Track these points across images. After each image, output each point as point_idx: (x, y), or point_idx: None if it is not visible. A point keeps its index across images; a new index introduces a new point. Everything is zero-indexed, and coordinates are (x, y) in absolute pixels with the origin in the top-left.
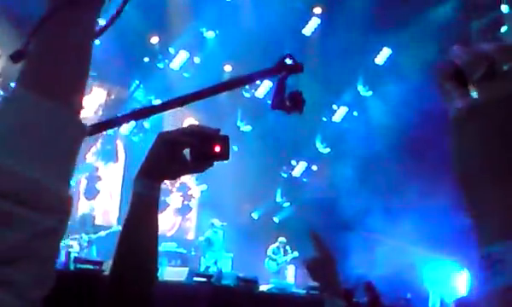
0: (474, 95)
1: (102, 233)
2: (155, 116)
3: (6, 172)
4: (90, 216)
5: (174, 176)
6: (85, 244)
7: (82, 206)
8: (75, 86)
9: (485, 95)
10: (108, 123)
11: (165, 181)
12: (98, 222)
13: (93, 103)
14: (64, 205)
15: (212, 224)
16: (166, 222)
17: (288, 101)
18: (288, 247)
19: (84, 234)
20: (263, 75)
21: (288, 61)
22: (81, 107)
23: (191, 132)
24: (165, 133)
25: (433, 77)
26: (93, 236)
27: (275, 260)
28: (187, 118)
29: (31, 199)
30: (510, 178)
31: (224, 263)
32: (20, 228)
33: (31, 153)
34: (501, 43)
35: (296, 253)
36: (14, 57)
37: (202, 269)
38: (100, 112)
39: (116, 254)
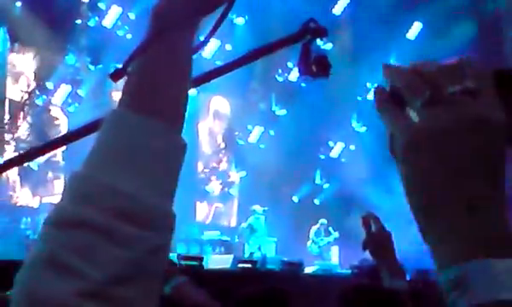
0: (417, 120)
1: None
2: (191, 105)
3: (116, 192)
4: None
5: None
6: None
7: None
8: (179, 106)
9: (431, 123)
10: None
11: (205, 169)
12: None
13: None
14: (170, 223)
15: (254, 211)
16: (208, 210)
17: (313, 66)
18: (330, 228)
19: None
20: (286, 42)
21: (312, 25)
22: (183, 126)
23: None
24: None
25: (373, 101)
26: None
27: (317, 242)
28: (216, 107)
29: (140, 217)
30: (459, 207)
31: (267, 248)
32: (130, 247)
33: (138, 173)
34: (443, 64)
35: (337, 234)
36: (114, 76)
37: (246, 255)
38: None
39: None
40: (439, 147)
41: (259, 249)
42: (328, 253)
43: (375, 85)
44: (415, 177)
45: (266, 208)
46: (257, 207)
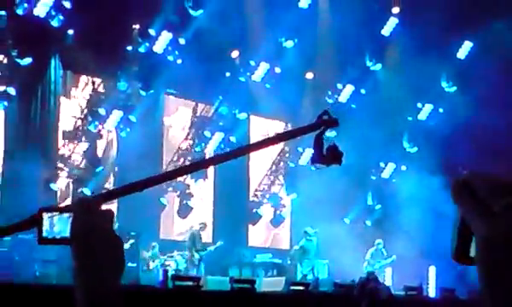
0: (500, 221)
1: (212, 247)
2: (241, 129)
3: None
4: (198, 233)
5: None
6: (197, 262)
7: (177, 225)
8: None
9: None
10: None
11: (256, 192)
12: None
13: (180, 121)
14: None
15: (306, 232)
16: (260, 233)
17: (326, 155)
18: (383, 249)
19: (195, 253)
20: (304, 131)
21: (325, 117)
22: None
23: None
24: None
25: (451, 190)
26: (203, 253)
27: (373, 264)
28: (269, 131)
29: None
30: None
31: (320, 270)
32: None
33: None
34: None
35: (394, 257)
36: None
37: (299, 277)
38: (187, 130)
39: None
40: None
41: (312, 271)
42: (382, 275)
43: (455, 179)
44: (503, 271)
45: (317, 230)
46: (308, 229)
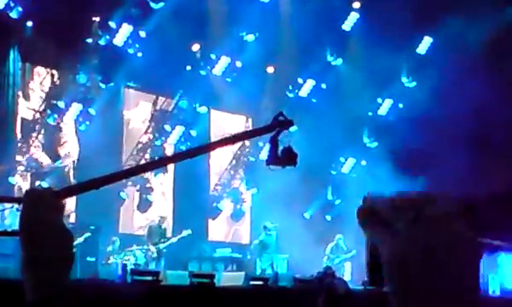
0: (404, 236)
1: (174, 239)
2: (202, 123)
3: None
4: (156, 227)
5: None
6: (155, 255)
7: (136, 219)
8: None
9: (415, 239)
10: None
11: (216, 187)
12: None
13: (140, 115)
14: None
15: (265, 227)
16: (220, 228)
17: (281, 156)
18: (343, 244)
19: (151, 246)
20: (260, 132)
21: (280, 118)
22: None
23: None
24: None
25: (356, 217)
26: (161, 246)
27: (333, 259)
28: (229, 125)
29: None
30: None
31: (279, 265)
32: None
33: None
34: (422, 193)
35: (354, 251)
36: None
37: (258, 272)
38: (147, 123)
39: None
40: (424, 260)
41: (272, 266)
42: (341, 270)
43: (359, 206)
44: (415, 285)
45: (277, 224)
46: (268, 224)
